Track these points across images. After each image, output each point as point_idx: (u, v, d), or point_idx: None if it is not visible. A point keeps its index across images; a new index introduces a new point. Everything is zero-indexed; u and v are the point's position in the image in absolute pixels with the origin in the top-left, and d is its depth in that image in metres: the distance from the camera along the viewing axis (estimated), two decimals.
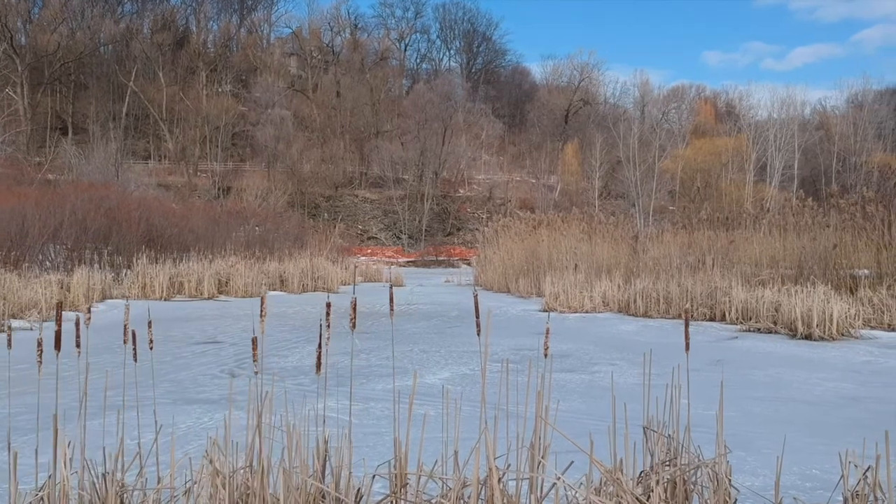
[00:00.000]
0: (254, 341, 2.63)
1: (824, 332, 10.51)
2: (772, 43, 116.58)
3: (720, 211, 22.30)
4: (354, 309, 2.69)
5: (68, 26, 64.85)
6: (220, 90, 66.88)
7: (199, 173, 59.66)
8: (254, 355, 2.68)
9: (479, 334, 3.06)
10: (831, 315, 10.55)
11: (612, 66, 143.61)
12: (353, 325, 2.72)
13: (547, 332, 3.00)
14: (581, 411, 5.89)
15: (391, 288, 2.76)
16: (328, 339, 2.67)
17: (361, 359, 8.57)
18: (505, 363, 2.98)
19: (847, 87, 68.43)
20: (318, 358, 2.66)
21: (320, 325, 2.68)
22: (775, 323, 11.51)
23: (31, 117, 57.34)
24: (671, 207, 51.17)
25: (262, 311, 2.71)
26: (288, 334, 10.87)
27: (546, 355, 3.03)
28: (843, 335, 10.61)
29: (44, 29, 63.40)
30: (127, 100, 61.71)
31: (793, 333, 10.88)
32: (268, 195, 44.90)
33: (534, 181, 62.20)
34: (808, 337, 10.53)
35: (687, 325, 2.81)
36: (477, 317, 3.04)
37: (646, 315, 13.89)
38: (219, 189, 54.38)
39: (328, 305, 2.67)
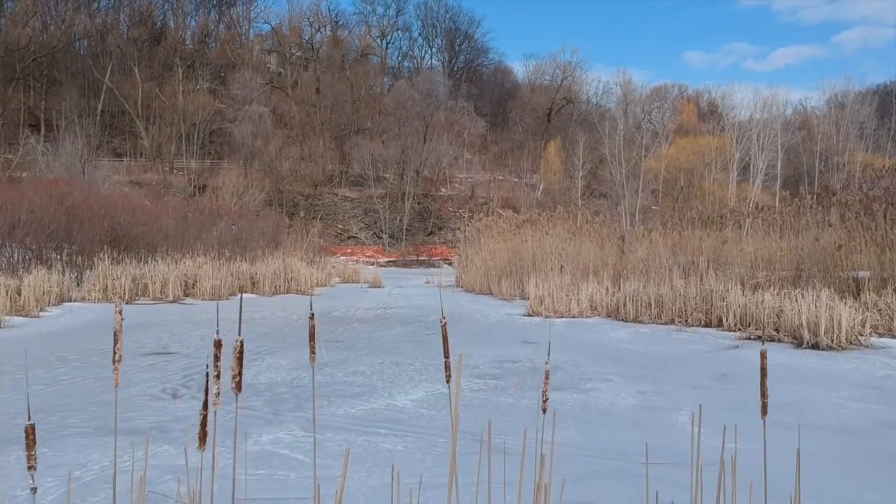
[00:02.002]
0: None
1: (832, 340, 9.70)
2: (754, 44, 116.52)
3: (707, 209, 21.56)
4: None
5: (41, 20, 63.29)
6: (197, 87, 65.53)
7: (174, 171, 58.36)
8: None
9: (447, 361, 2.18)
10: (840, 322, 9.73)
11: (593, 65, 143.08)
12: (237, 384, 1.84)
13: (546, 378, 2.10)
14: (577, 444, 4.99)
15: (310, 302, 1.84)
16: (216, 397, 1.77)
17: (325, 373, 7.63)
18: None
19: (829, 87, 68.00)
20: (203, 426, 1.76)
21: (207, 376, 1.78)
22: (777, 330, 10.69)
23: (1, 113, 55.79)
24: (654, 207, 50.52)
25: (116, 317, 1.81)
26: (248, 343, 9.91)
27: (545, 410, 2.13)
28: (851, 344, 9.80)
29: (16, 22, 61.75)
30: (102, 96, 60.27)
31: (797, 342, 10.05)
32: (244, 193, 43.73)
33: (516, 180, 61.44)
34: (814, 346, 9.71)
35: (764, 365, 1.90)
36: (445, 344, 2.15)
37: (636, 320, 13.04)
38: (195, 187, 53.16)
39: (217, 345, 1.76)
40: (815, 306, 10.13)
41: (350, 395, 6.49)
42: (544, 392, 2.12)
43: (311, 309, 1.79)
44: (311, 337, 1.79)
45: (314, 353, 1.80)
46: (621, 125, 50.41)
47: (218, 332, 1.75)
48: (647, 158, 53.28)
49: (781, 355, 9.16)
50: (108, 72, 60.72)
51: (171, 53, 65.66)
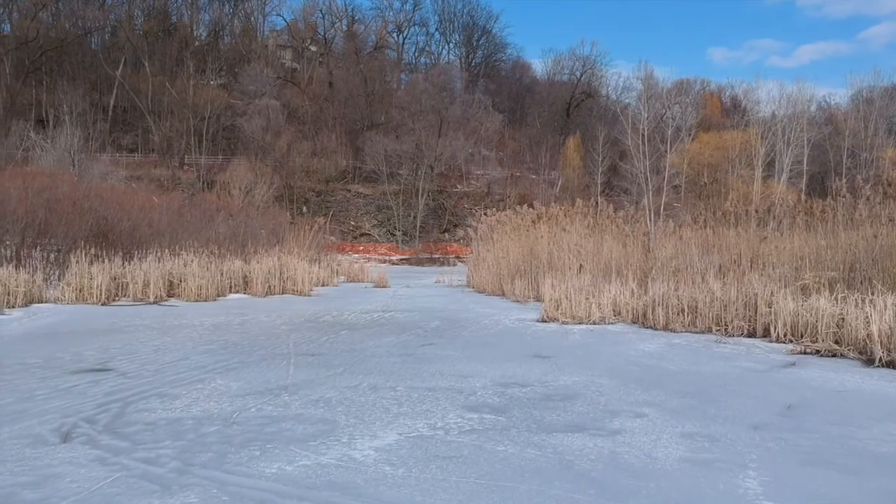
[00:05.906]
0: None
1: None
2: (779, 40, 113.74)
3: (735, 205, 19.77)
4: None
5: (51, 12, 62.25)
6: (209, 82, 64.21)
7: (185, 166, 57.07)
8: None
9: None
10: None
11: (614, 60, 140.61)
12: None
13: None
14: None
15: None
16: None
17: (279, 402, 5.99)
18: None
19: (857, 83, 65.77)
20: None
21: None
22: (839, 343, 8.96)
23: (10, 107, 54.74)
24: (676, 204, 48.64)
25: None
26: (207, 357, 8.29)
27: None
28: None
29: (25, 15, 60.69)
30: (115, 91, 59.16)
31: (867, 358, 8.32)
32: (252, 188, 42.23)
33: (534, 177, 59.64)
34: (889, 364, 7.98)
35: None
36: None
37: (667, 328, 11.31)
38: (203, 182, 51.80)
39: None
40: (887, 315, 8.41)
41: (297, 439, 4.86)
42: None
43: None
44: None
45: None
46: (646, 113, 48.60)
47: None
48: (672, 153, 51.45)
49: (853, 377, 7.43)
50: (121, 66, 59.59)
51: (183, 48, 64.34)
